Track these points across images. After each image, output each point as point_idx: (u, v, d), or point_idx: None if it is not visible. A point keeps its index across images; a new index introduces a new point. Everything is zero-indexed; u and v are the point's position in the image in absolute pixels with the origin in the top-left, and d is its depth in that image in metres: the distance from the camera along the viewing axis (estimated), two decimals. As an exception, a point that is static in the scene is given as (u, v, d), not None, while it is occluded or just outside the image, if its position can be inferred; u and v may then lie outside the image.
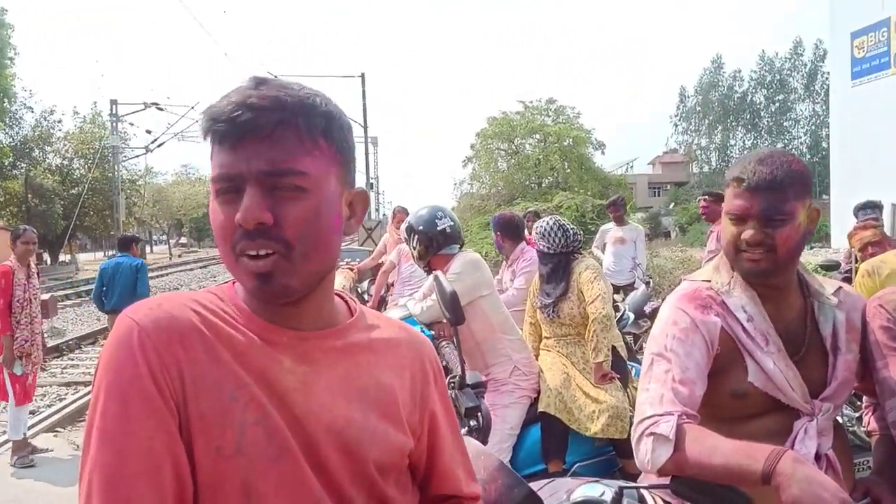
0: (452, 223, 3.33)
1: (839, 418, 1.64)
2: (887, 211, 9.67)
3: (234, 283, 1.00)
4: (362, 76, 27.72)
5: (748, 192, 1.47)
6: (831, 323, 1.56)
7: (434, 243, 3.28)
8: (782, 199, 1.45)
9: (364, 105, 27.84)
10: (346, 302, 1.09)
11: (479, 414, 1.93)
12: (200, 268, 29.78)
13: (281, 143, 0.89)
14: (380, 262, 7.84)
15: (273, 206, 0.88)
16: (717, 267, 1.62)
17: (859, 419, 2.47)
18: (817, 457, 1.47)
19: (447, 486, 1.15)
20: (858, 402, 2.72)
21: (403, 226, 3.43)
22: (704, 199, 6.45)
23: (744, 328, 1.51)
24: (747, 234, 1.48)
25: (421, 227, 3.29)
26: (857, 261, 4.15)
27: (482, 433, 1.97)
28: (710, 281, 1.59)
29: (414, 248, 3.34)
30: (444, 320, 2.80)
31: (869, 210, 5.79)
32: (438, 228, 3.27)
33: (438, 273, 2.34)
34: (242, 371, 0.90)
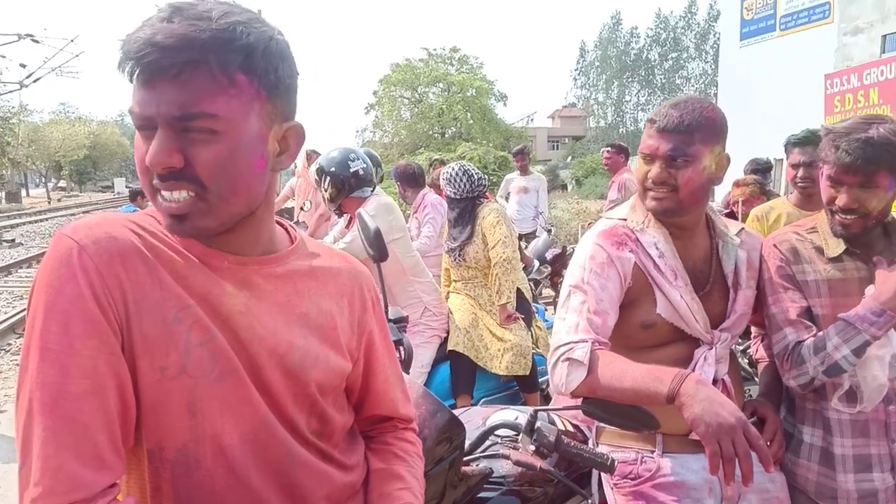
0: (365, 165, 3.31)
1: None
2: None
3: None
4: (258, 13, 26.39)
5: (657, 133, 1.57)
6: (733, 261, 1.69)
7: (346, 186, 3.25)
8: (687, 141, 1.54)
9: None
10: (286, 230, 1.09)
11: (402, 347, 1.98)
12: (84, 212, 28.01)
13: (189, 85, 0.84)
14: (282, 207, 7.65)
15: (184, 147, 0.86)
16: (633, 206, 1.71)
17: (744, 352, 2.70)
18: (714, 381, 1.61)
19: (382, 407, 1.20)
20: (742, 339, 2.98)
21: (314, 167, 3.36)
22: (608, 151, 6.69)
23: (655, 264, 1.61)
24: (653, 172, 1.58)
25: (333, 169, 3.25)
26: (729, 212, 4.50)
27: (405, 365, 2.03)
28: (626, 219, 1.68)
29: (325, 191, 3.29)
30: (365, 257, 2.81)
31: (762, 172, 6.10)
32: (351, 170, 3.24)
33: (362, 210, 2.35)
34: (185, 293, 0.90)
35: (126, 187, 49.53)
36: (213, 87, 0.85)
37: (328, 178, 3.26)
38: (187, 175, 0.86)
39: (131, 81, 0.86)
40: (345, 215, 3.43)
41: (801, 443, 1.71)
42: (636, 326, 1.63)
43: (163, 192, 0.88)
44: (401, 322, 2.12)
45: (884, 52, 19.15)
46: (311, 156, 7.25)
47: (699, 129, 1.54)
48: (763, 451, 1.30)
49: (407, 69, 31.40)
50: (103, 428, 0.82)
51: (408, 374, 1.82)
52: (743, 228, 1.77)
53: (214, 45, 0.84)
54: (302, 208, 6.26)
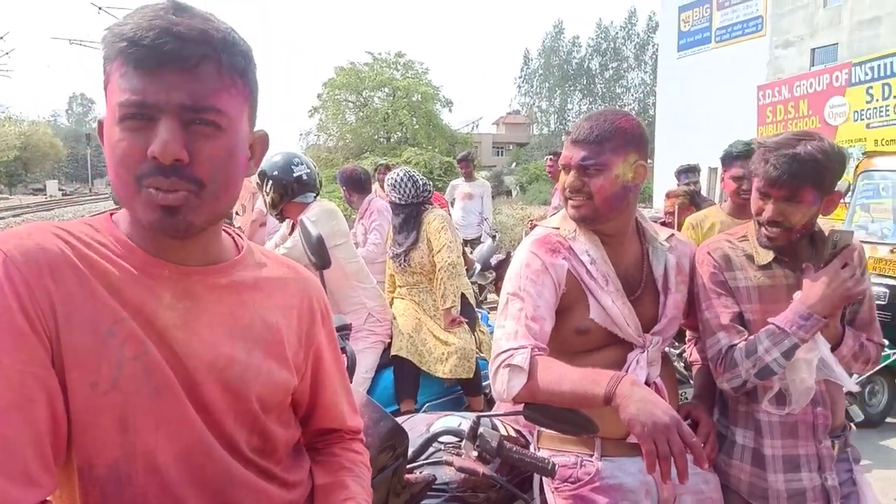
0: (309, 171, 3.27)
1: (666, 350, 1.85)
2: (704, 173, 10.70)
3: (111, 214, 0.96)
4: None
5: (571, 144, 1.65)
6: (663, 266, 1.74)
7: (289, 191, 3.21)
8: (597, 151, 1.60)
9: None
10: (233, 238, 1.07)
11: (345, 355, 1.96)
12: (13, 216, 26.83)
13: (204, 78, 0.86)
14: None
15: (189, 142, 0.86)
16: (565, 216, 1.75)
17: (680, 355, 2.78)
18: (647, 383, 1.65)
19: (330, 420, 1.18)
20: (677, 343, 3.07)
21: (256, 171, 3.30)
22: (551, 158, 6.82)
23: (587, 270, 1.65)
24: (568, 181, 1.65)
25: (276, 173, 3.20)
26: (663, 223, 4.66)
27: (348, 373, 2.01)
28: (559, 228, 1.73)
29: (267, 195, 3.24)
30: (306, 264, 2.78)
31: (688, 174, 6.37)
32: (294, 175, 3.20)
33: (304, 217, 2.32)
34: (118, 305, 0.87)
35: (59, 190, 47.79)
36: (221, 84, 0.88)
37: (270, 182, 3.20)
38: (187, 172, 0.87)
39: (132, 68, 0.84)
40: (286, 220, 3.38)
41: (733, 444, 1.77)
42: (571, 332, 1.66)
43: (155, 186, 0.86)
44: (343, 330, 2.10)
45: (813, 65, 20.08)
46: None
47: (610, 140, 1.61)
48: (697, 448, 1.33)
49: (351, 73, 31.20)
50: (31, 443, 0.79)
51: (351, 382, 1.82)
52: (673, 234, 1.83)
53: (225, 46, 0.88)
54: (237, 213, 6.14)
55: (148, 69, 0.84)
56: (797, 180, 1.62)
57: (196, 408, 0.92)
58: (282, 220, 3.40)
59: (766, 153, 1.66)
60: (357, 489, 1.13)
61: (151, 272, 0.92)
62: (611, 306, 1.64)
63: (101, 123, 0.92)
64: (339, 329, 2.08)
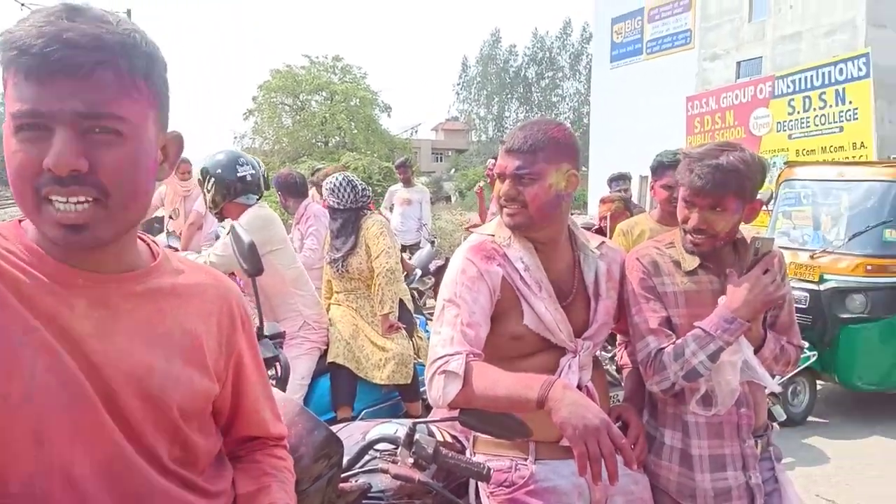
0: (254, 171, 3.20)
1: (597, 354, 1.89)
2: (635, 181, 11.00)
3: (20, 221, 0.92)
4: (128, 12, 25.07)
5: (506, 154, 1.68)
6: (594, 272, 1.78)
7: (231, 190, 3.13)
8: (531, 160, 1.64)
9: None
10: (148, 245, 1.04)
11: (278, 364, 1.93)
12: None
13: (100, 85, 0.83)
14: (153, 216, 7.28)
15: (87, 150, 0.83)
16: (500, 223, 1.77)
17: (612, 359, 2.85)
18: (578, 387, 1.68)
19: (252, 428, 1.16)
20: (610, 346, 3.14)
21: (199, 168, 3.22)
22: (493, 163, 6.86)
23: (521, 277, 1.68)
24: (503, 189, 1.67)
25: (219, 172, 3.12)
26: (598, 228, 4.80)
27: (281, 382, 1.98)
28: (493, 235, 1.75)
29: (208, 192, 3.17)
30: (238, 271, 2.72)
31: (620, 181, 6.55)
32: (238, 175, 3.13)
33: (235, 223, 2.27)
34: (30, 315, 0.84)
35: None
36: (120, 90, 0.85)
37: (213, 180, 3.13)
38: (89, 180, 0.83)
39: (23, 77, 0.81)
40: (227, 220, 3.31)
41: (662, 445, 1.82)
42: (506, 337, 1.68)
43: (58, 199, 0.83)
44: (277, 338, 2.07)
45: (738, 78, 20.94)
46: (181, 164, 6.94)
47: (543, 149, 1.64)
48: (626, 450, 1.37)
49: (288, 76, 30.77)
50: None
51: (284, 391, 1.78)
52: (603, 242, 1.88)
53: (123, 49, 0.85)
54: (171, 217, 5.96)
55: (39, 78, 0.81)
56: (720, 189, 1.68)
57: (114, 418, 0.89)
58: (221, 219, 3.34)
59: (690, 163, 1.72)
60: (280, 494, 1.12)
61: (64, 281, 0.88)
62: (544, 312, 1.66)
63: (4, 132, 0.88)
64: (272, 337, 2.05)
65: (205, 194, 3.22)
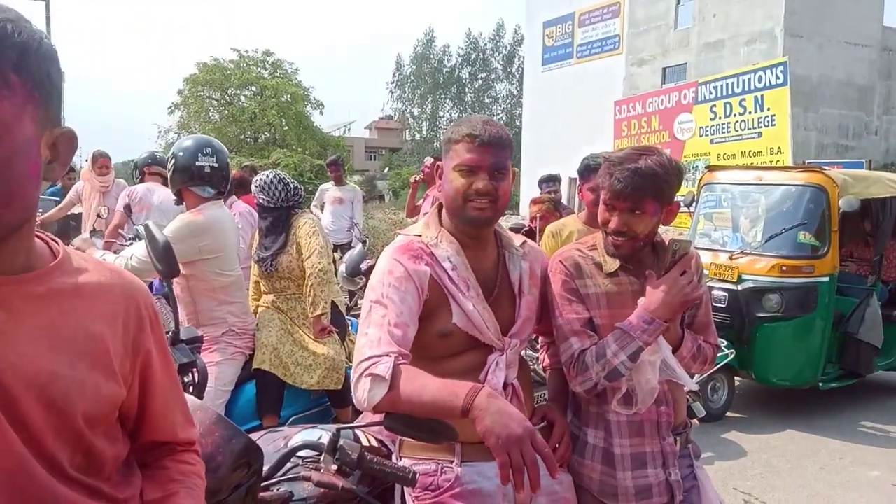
0: (216, 165, 3.09)
1: (523, 354, 1.90)
2: (565, 183, 11.20)
3: None
4: (46, 2, 23.93)
5: (480, 147, 1.64)
6: (518, 270, 1.80)
7: (188, 176, 3.04)
8: (505, 156, 1.67)
9: (48, 31, 24.01)
10: (47, 244, 0.98)
11: (195, 369, 1.86)
12: None
13: None
14: (70, 212, 6.97)
15: None
16: (427, 223, 1.77)
17: (538, 360, 2.88)
18: (505, 385, 1.70)
19: (161, 432, 1.12)
20: (537, 347, 3.17)
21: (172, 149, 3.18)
22: (433, 161, 6.85)
23: (449, 276, 1.68)
24: (479, 184, 1.64)
25: (180, 154, 3.05)
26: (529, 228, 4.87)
27: (198, 389, 1.91)
28: (420, 235, 1.74)
29: (169, 171, 3.12)
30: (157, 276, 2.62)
31: (550, 183, 6.66)
32: (197, 163, 3.03)
33: (150, 223, 2.18)
34: None
35: None
36: None
37: (173, 161, 3.07)
38: None
39: None
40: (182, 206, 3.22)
41: (585, 444, 1.85)
42: (434, 336, 1.67)
43: None
44: (194, 342, 2.00)
45: (664, 83, 21.64)
46: (99, 158, 6.67)
47: (510, 146, 1.69)
48: (549, 458, 1.38)
49: (216, 69, 30.05)
50: None
51: (201, 398, 1.72)
52: (525, 241, 1.90)
53: None
54: (99, 215, 5.72)
55: None
56: (639, 193, 1.72)
57: (14, 427, 0.85)
58: (179, 203, 3.23)
59: (611, 167, 1.76)
60: (188, 501, 1.09)
61: None
62: (472, 311, 1.67)
63: None
64: (189, 342, 1.98)
65: (168, 172, 3.15)
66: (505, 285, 1.78)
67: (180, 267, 2.10)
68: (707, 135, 11.68)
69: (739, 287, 5.22)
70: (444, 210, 1.78)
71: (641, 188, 1.72)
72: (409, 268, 1.65)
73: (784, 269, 5.15)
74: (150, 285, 3.74)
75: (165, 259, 1.96)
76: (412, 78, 46.50)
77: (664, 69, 23.21)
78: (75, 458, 0.93)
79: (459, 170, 1.67)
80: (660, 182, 1.73)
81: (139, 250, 2.85)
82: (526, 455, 1.34)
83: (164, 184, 4.81)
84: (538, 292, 1.85)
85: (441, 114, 46.90)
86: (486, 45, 46.79)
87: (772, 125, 10.31)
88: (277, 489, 1.59)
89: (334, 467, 1.55)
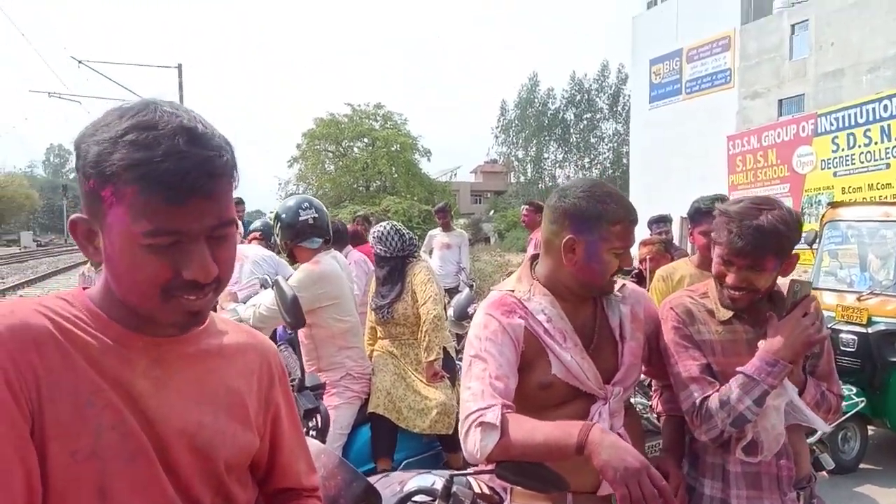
0: (317, 216, 3.29)
1: (632, 401, 1.88)
2: (676, 223, 10.89)
3: (84, 288, 1.00)
4: (179, 67, 26.15)
5: (633, 226, 1.70)
6: (618, 315, 1.79)
7: (295, 234, 3.26)
8: None
9: (181, 98, 26.18)
10: None
11: (318, 415, 1.98)
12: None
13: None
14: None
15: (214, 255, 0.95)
16: (519, 278, 1.81)
17: (651, 408, 2.81)
18: None
19: (287, 479, 1.22)
20: (650, 394, 3.10)
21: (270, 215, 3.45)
22: (526, 209, 6.96)
23: (544, 328, 1.70)
24: (625, 263, 1.71)
25: (284, 216, 3.26)
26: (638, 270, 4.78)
27: (321, 433, 2.02)
28: (513, 290, 1.77)
29: (277, 236, 3.33)
30: (283, 324, 2.79)
31: (660, 223, 6.50)
32: (300, 219, 3.24)
33: (279, 278, 2.35)
34: (98, 376, 0.91)
35: (34, 241, 47.09)
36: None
37: (279, 224, 3.29)
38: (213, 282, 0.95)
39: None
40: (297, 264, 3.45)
41: (702, 496, 1.80)
42: (534, 387, 1.69)
43: (191, 297, 0.94)
44: (317, 389, 2.12)
45: (780, 115, 20.71)
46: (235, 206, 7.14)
47: None
48: (666, 492, 1.37)
49: (331, 123, 31.58)
50: None
51: (324, 442, 1.82)
52: (624, 284, 1.88)
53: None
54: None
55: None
56: (761, 251, 1.68)
57: (166, 471, 0.96)
58: (293, 262, 3.47)
59: (728, 222, 1.71)
60: None
61: (126, 343, 0.96)
62: (570, 361, 1.68)
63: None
64: (313, 388, 2.10)
65: (275, 238, 3.38)
66: (605, 333, 1.77)
67: (304, 317, 2.25)
68: (829, 167, 11.04)
69: (870, 329, 4.87)
70: (536, 263, 1.81)
71: (763, 246, 1.67)
72: (503, 322, 1.68)
73: (920, 309, 4.77)
74: (274, 332, 3.98)
75: (293, 312, 2.10)
76: (517, 122, 46.86)
77: (780, 101, 22.24)
78: (215, 502, 1.04)
79: (616, 252, 1.68)
80: (782, 239, 1.68)
81: (267, 299, 3.06)
82: (644, 488, 1.34)
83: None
84: (642, 336, 1.82)
85: (546, 155, 46.86)
86: (590, 85, 46.61)
87: (901, 156, 9.64)
88: (395, 532, 1.65)
89: (448, 513, 1.59)
